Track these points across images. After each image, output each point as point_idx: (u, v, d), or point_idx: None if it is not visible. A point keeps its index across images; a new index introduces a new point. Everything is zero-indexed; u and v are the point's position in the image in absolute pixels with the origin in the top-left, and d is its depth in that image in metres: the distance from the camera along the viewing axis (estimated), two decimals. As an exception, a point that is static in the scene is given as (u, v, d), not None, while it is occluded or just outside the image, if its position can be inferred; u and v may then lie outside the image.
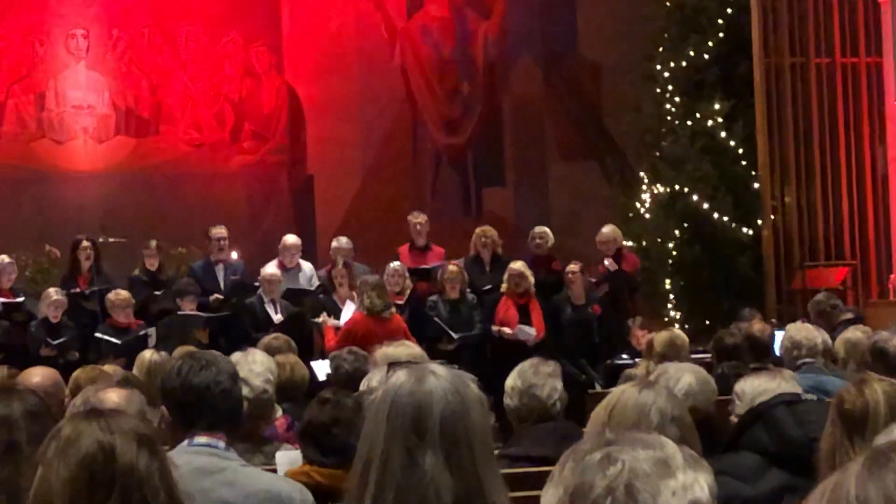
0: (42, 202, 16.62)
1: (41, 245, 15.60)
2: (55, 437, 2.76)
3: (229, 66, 17.86)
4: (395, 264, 13.08)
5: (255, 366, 5.89)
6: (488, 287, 13.14)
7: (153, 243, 13.77)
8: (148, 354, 8.20)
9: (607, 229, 13.83)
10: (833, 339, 8.40)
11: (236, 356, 6.26)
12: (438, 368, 2.84)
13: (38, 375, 6.62)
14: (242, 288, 13.48)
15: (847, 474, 1.79)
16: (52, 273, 14.87)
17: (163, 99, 17.63)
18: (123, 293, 12.66)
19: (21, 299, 12.95)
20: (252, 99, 17.90)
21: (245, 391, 5.86)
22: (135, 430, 2.76)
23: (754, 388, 5.33)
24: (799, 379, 5.87)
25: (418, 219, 13.93)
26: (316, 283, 13.67)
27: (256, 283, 13.32)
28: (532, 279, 12.87)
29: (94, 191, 16.88)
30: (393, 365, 2.95)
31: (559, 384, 5.72)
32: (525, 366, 5.78)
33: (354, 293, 12.89)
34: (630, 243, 14.77)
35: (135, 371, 7.98)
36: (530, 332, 12.63)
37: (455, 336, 12.48)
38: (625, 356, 12.36)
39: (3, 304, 12.64)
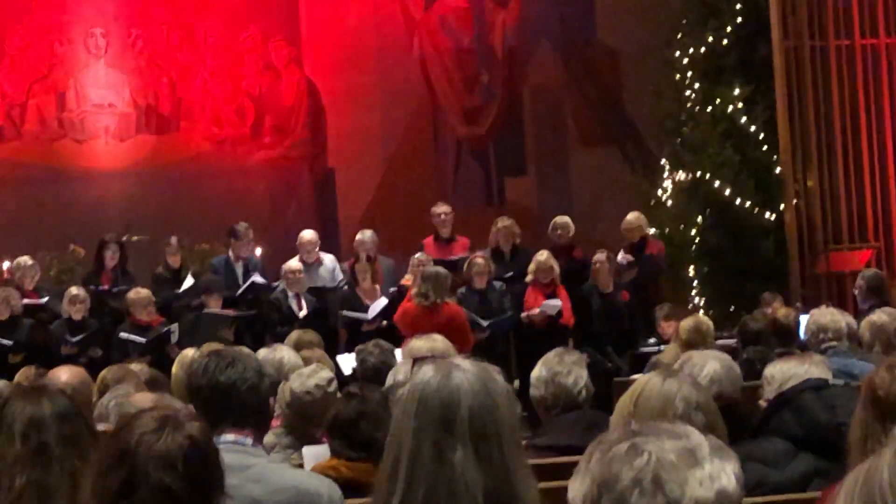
0: (64, 201, 16.63)
1: (65, 244, 15.63)
2: None
3: (249, 61, 17.86)
4: (420, 255, 13.08)
5: (305, 370, 6.20)
6: (510, 274, 13.14)
7: (174, 240, 13.79)
8: (190, 353, 8.15)
9: (632, 216, 13.84)
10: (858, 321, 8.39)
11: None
12: (464, 362, 2.84)
13: (65, 374, 6.65)
14: (257, 288, 13.39)
15: (880, 460, 1.78)
16: (77, 271, 14.91)
17: (183, 95, 17.64)
18: (143, 291, 12.63)
19: (44, 300, 12.98)
20: (272, 93, 17.89)
21: (295, 385, 5.98)
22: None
23: (783, 372, 5.33)
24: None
25: (442, 210, 13.92)
26: (339, 275, 13.65)
27: (276, 284, 13.28)
28: (557, 268, 12.90)
29: (116, 189, 16.91)
30: (419, 361, 2.97)
31: (584, 373, 5.74)
32: (550, 355, 5.80)
33: (378, 287, 12.95)
34: (653, 230, 14.75)
35: (175, 369, 7.95)
36: (555, 304, 12.63)
37: (484, 324, 12.47)
38: (651, 342, 12.36)
39: (25, 305, 12.67)
